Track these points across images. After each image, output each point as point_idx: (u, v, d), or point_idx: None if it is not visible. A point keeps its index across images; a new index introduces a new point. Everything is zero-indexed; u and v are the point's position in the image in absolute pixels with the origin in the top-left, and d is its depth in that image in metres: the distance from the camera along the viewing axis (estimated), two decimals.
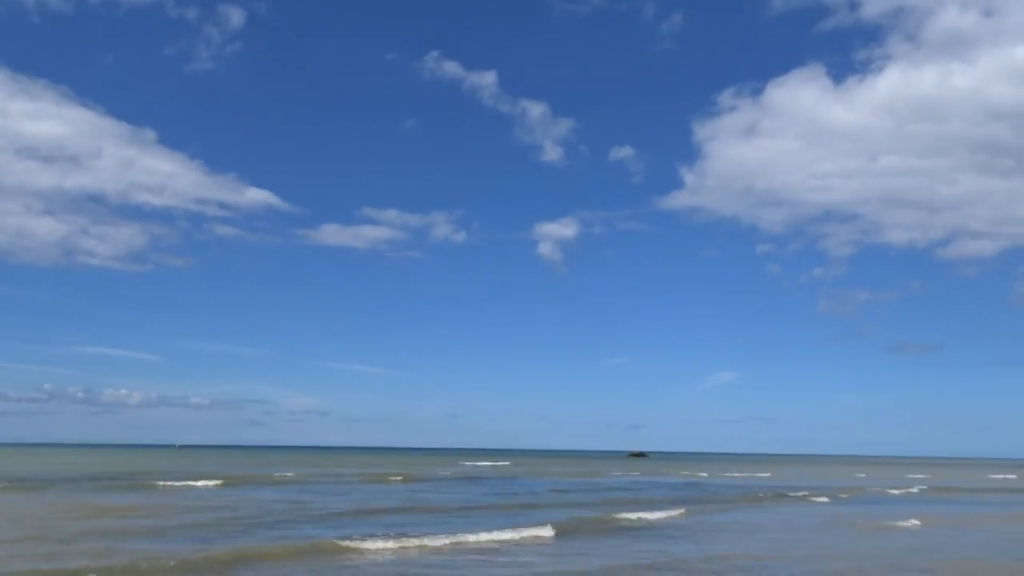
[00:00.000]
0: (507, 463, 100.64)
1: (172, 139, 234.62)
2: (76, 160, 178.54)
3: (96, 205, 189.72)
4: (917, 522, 28.51)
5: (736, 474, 76.35)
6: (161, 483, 43.50)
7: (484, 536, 21.32)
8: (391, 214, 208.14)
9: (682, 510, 30.91)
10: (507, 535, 21.65)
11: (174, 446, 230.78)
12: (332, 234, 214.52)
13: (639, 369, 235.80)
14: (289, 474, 59.22)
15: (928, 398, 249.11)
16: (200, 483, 45.08)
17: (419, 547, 19.44)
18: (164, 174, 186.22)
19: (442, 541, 20.21)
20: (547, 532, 22.54)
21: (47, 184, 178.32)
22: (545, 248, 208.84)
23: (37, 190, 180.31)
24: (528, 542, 21.13)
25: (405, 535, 20.75)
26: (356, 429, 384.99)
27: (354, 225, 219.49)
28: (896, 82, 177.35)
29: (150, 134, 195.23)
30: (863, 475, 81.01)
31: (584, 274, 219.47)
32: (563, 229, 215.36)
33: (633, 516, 27.98)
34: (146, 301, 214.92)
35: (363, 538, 19.74)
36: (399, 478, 53.83)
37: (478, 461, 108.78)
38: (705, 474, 75.98)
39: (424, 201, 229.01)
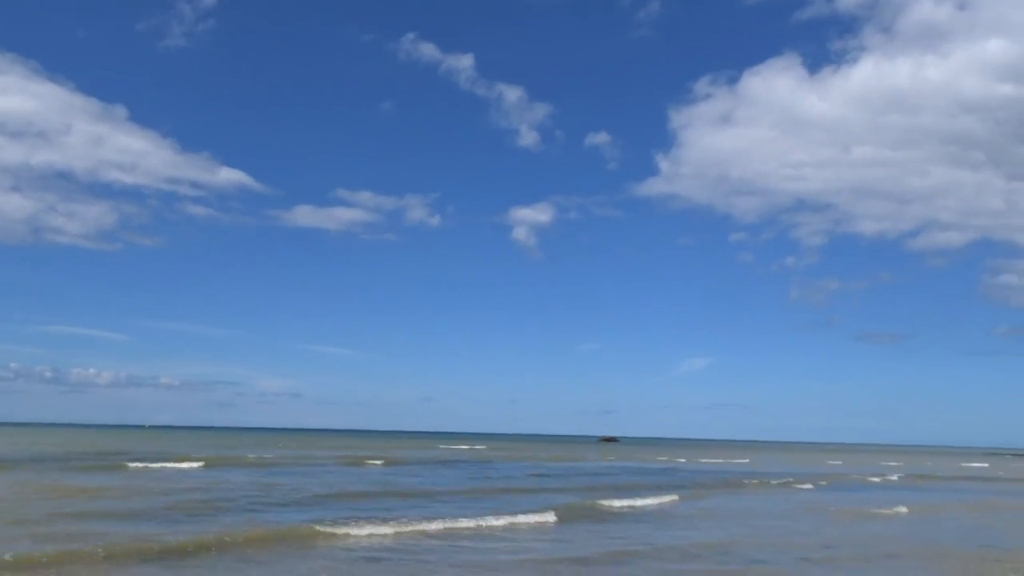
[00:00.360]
0: (483, 447, 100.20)
1: (144, 117, 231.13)
2: (45, 136, 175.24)
3: (65, 182, 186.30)
4: (904, 509, 28.39)
5: (713, 460, 76.38)
6: (132, 464, 42.32)
7: (480, 522, 20.67)
8: (365, 196, 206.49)
9: (675, 496, 30.48)
10: (502, 521, 21.02)
11: (144, 427, 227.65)
12: (305, 215, 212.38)
13: (612, 355, 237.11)
14: (266, 455, 58.14)
15: (896, 387, 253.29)
16: (173, 464, 43.94)
17: (416, 532, 18.75)
18: (135, 152, 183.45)
19: (436, 526, 19.53)
20: (549, 518, 21.98)
21: (14, 160, 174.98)
22: (520, 233, 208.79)
23: (4, 166, 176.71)
24: (526, 528, 20.57)
25: (397, 520, 20.04)
26: (329, 412, 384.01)
27: (328, 207, 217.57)
28: (870, 73, 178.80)
29: (121, 111, 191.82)
30: (839, 462, 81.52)
31: (559, 259, 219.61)
32: (538, 214, 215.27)
33: (626, 503, 27.46)
34: (116, 280, 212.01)
35: (356, 522, 19.01)
36: (379, 461, 52.95)
37: (454, 444, 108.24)
38: (683, 460, 75.94)
39: (399, 184, 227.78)
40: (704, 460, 75.81)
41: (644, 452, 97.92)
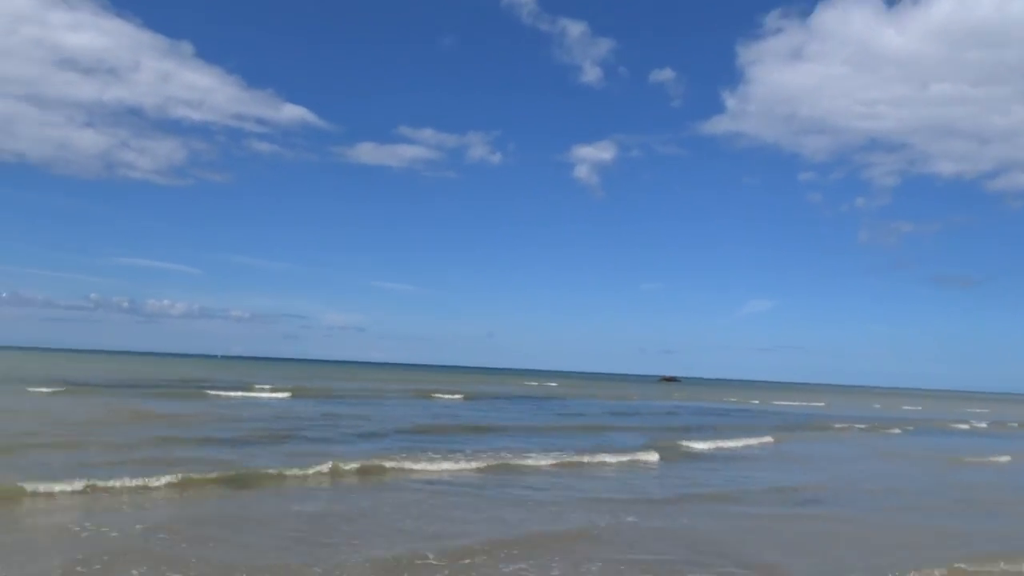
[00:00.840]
0: (554, 384, 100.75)
1: (209, 53, 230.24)
2: (115, 72, 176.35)
3: (136, 119, 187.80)
4: (1007, 458, 27.15)
5: (790, 403, 74.96)
6: (211, 392, 43.28)
7: (587, 458, 20.32)
8: (427, 133, 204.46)
9: (768, 438, 29.64)
10: (608, 458, 20.63)
11: (216, 357, 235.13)
12: (368, 152, 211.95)
13: (673, 294, 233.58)
14: (341, 387, 59.09)
15: (968, 333, 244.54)
16: (252, 394, 44.88)
17: (529, 466, 18.53)
18: (202, 88, 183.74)
19: (548, 461, 19.23)
20: (652, 457, 21.46)
21: (87, 96, 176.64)
22: (582, 171, 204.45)
23: (78, 102, 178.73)
24: (631, 466, 20.12)
25: (496, 452, 19.85)
26: (392, 346, 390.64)
27: (390, 144, 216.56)
28: (952, 6, 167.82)
29: (187, 47, 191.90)
30: (918, 408, 79.24)
31: (621, 198, 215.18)
32: (600, 152, 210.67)
33: (712, 444, 26.67)
34: (188, 215, 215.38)
35: (460, 454, 18.82)
36: (457, 396, 53.05)
37: (525, 381, 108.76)
38: (756, 401, 74.73)
39: (460, 121, 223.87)
40: (779, 402, 74.44)
41: (709, 392, 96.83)
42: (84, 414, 26.91)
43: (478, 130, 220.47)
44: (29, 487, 12.40)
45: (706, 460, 22.59)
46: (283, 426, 25.74)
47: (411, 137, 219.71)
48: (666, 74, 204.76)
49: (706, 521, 13.00)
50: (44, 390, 39.03)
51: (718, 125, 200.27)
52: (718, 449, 25.57)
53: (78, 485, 12.75)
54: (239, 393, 44.29)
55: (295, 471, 15.68)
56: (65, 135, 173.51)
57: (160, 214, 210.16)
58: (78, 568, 8.66)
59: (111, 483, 13.18)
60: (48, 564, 8.75)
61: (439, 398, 51.04)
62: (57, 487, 12.56)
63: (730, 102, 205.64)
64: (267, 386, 50.06)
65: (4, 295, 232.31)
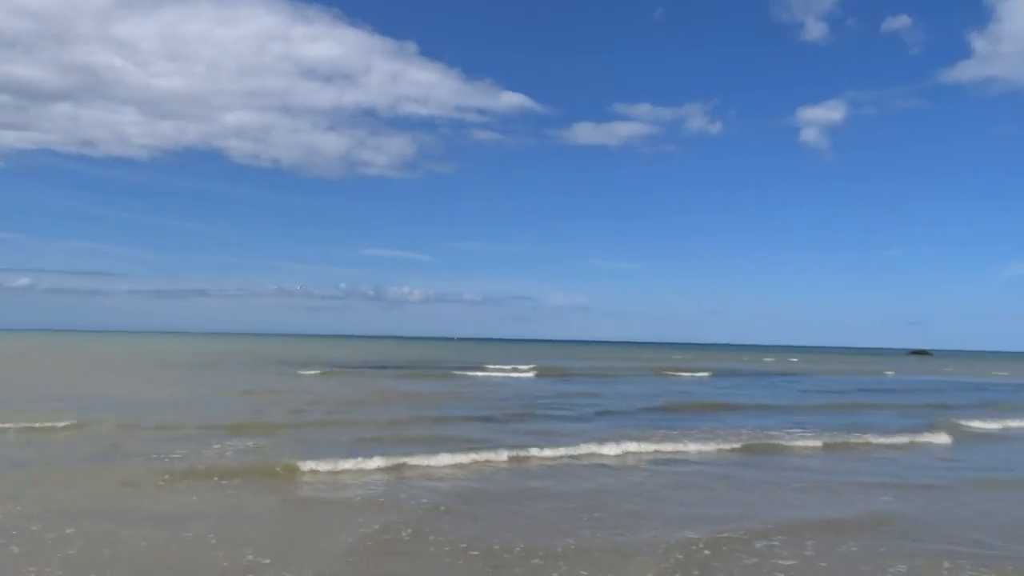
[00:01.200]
0: (795, 359, 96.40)
1: (431, 50, 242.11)
2: (350, 78, 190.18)
3: (370, 119, 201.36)
4: None
5: None
6: (461, 372, 45.47)
7: (856, 438, 19.08)
8: (643, 109, 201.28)
9: None
10: (893, 439, 19.32)
11: (452, 339, 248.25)
12: (585, 133, 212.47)
13: (918, 261, 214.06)
14: (582, 365, 59.95)
15: None
16: (501, 373, 46.64)
17: (795, 448, 17.65)
18: (426, 84, 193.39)
19: (814, 441, 18.30)
20: (943, 439, 19.75)
21: (328, 102, 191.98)
22: (809, 134, 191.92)
23: (321, 109, 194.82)
24: (923, 447, 18.66)
25: (770, 431, 19.10)
26: (616, 324, 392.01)
27: (606, 122, 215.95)
28: None
29: (411, 47, 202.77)
30: None
31: (854, 160, 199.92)
32: (829, 112, 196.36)
33: (1002, 424, 23.93)
34: (419, 206, 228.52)
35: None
36: (701, 373, 51.93)
37: (763, 357, 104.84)
38: None
39: (676, 93, 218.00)
40: None
41: (967, 366, 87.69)
42: (351, 394, 29.28)
43: (695, 101, 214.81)
44: (322, 466, 13.44)
45: (1002, 441, 20.36)
46: (541, 404, 26.58)
47: (627, 114, 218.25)
48: (901, 21, 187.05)
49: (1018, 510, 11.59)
50: (311, 372, 43.01)
51: (964, 71, 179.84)
52: (1006, 429, 22.94)
53: (378, 462, 13.57)
54: (482, 373, 46.29)
55: (563, 451, 15.89)
56: (311, 140, 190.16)
57: (396, 206, 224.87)
58: (385, 536, 9.21)
59: (408, 460, 13.95)
60: (357, 533, 9.36)
61: (675, 376, 50.27)
62: (348, 464, 13.50)
63: (978, 44, 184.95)
64: (507, 366, 51.79)
65: (271, 288, 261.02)
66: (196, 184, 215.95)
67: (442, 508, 10.79)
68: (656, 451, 16.32)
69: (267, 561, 8.18)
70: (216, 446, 15.14)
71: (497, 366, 52.26)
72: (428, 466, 13.85)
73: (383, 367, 52.14)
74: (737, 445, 17.37)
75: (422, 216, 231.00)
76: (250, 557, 8.29)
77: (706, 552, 8.89)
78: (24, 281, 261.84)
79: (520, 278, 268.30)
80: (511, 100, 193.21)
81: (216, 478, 12.28)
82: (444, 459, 14.29)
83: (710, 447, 17.05)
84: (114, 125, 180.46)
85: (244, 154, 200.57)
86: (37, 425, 17.18)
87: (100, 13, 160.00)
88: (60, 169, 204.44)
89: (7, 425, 17.07)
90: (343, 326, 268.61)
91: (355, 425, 19.20)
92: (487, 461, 14.58)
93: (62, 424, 17.44)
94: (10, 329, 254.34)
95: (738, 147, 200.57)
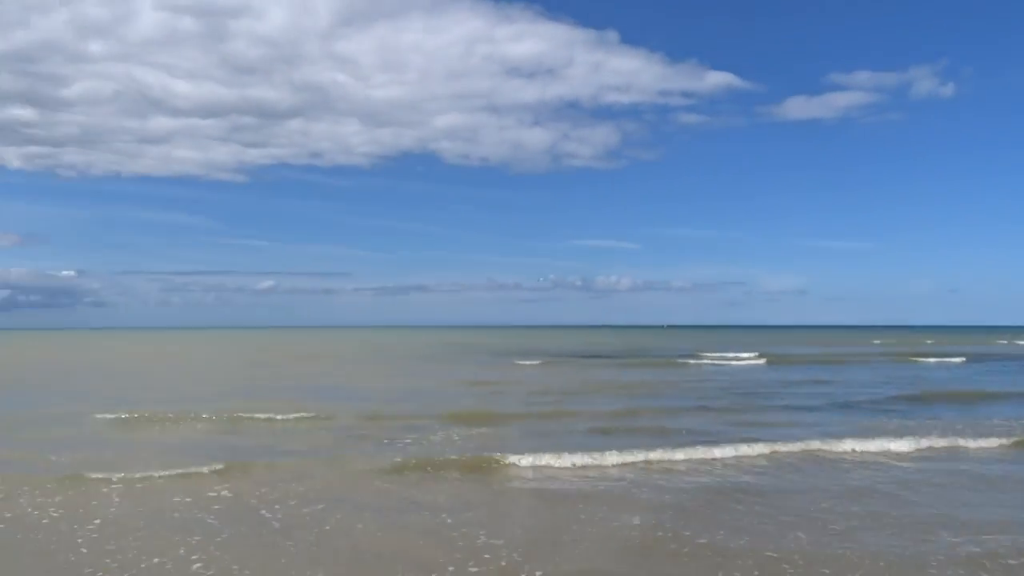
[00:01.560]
0: None
1: (633, 36, 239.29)
2: (553, 72, 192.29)
3: (573, 111, 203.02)
4: None
5: None
6: (683, 360, 44.30)
7: None
8: (862, 76, 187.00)
9: None
10: None
11: (662, 327, 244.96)
12: (797, 107, 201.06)
13: None
14: (807, 352, 56.58)
15: None
16: (729, 362, 45.09)
17: None
18: (628, 72, 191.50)
19: None
20: None
21: (532, 98, 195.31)
22: None
23: (526, 104, 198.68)
24: None
25: None
26: (836, 308, 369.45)
27: (820, 94, 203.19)
28: None
29: (613, 35, 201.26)
30: None
31: None
32: None
33: None
34: (625, 194, 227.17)
35: None
36: (959, 359, 47.04)
37: (1017, 339, 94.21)
38: None
39: (899, 56, 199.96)
40: None
41: None
42: (572, 383, 29.32)
43: (922, 62, 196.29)
44: (559, 461, 13.19)
45: None
46: (773, 393, 25.37)
47: (843, 83, 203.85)
48: None
49: None
50: (530, 362, 43.61)
51: None
52: None
53: (613, 458, 13.19)
54: (703, 361, 44.84)
55: (835, 444, 14.70)
56: (517, 136, 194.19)
57: (601, 196, 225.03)
58: (642, 534, 8.73)
59: (649, 455, 13.49)
60: (628, 521, 9.20)
61: (917, 361, 46.02)
62: (586, 459, 13.19)
63: None
64: (728, 354, 49.79)
65: (483, 281, 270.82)
66: (412, 186, 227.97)
67: (689, 506, 10.14)
68: (928, 447, 14.66)
69: (518, 558, 7.94)
70: (456, 440, 15.46)
71: (717, 354, 50.34)
72: (670, 460, 13.26)
73: (597, 356, 51.98)
74: (1006, 441, 15.27)
75: (628, 205, 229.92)
76: (514, 556, 8.10)
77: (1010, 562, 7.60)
78: (268, 283, 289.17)
79: (732, 263, 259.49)
80: (717, 79, 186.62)
81: (454, 471, 12.49)
82: (681, 454, 13.64)
83: (986, 443, 15.06)
84: (339, 136, 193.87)
85: (455, 155, 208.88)
86: (279, 417, 18.32)
87: (323, 34, 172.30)
88: (293, 180, 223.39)
89: (257, 416, 18.51)
90: (551, 316, 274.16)
91: (579, 417, 19.02)
92: (741, 456, 13.72)
93: (302, 415, 18.59)
94: (255, 327, 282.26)
95: (976, 109, 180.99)
